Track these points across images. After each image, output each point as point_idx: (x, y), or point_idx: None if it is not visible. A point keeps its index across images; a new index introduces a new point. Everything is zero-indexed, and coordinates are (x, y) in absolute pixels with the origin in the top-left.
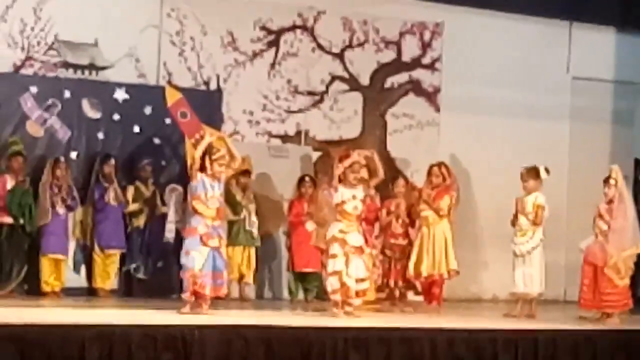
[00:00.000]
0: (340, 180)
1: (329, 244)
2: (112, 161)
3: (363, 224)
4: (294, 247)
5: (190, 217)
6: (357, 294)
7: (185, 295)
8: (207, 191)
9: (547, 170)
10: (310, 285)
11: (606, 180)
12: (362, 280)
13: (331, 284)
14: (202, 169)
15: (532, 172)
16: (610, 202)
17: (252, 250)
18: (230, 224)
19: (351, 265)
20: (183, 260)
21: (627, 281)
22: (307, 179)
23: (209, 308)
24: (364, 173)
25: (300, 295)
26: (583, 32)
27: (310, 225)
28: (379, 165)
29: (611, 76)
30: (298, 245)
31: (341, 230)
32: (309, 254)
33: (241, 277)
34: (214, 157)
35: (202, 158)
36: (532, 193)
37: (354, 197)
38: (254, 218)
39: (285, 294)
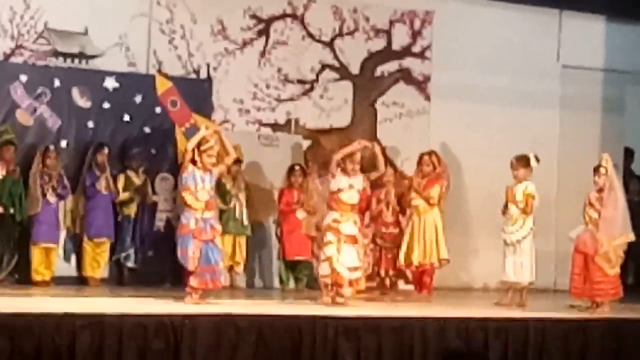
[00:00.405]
0: (339, 168)
1: (323, 233)
2: (106, 150)
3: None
4: (284, 235)
5: (181, 209)
6: (350, 283)
7: (189, 289)
8: (197, 183)
9: (537, 159)
10: (301, 274)
11: (596, 169)
12: (355, 269)
13: (322, 268)
14: (194, 161)
15: (522, 161)
16: (600, 190)
17: (243, 239)
18: (220, 212)
19: (343, 253)
20: (180, 258)
21: (617, 270)
22: (297, 167)
23: (199, 298)
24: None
25: (292, 283)
26: (573, 20)
27: (300, 214)
28: (380, 158)
29: (601, 64)
30: (288, 233)
31: (335, 220)
32: (299, 243)
33: (231, 266)
34: (202, 148)
35: (193, 150)
36: (523, 182)
37: (350, 186)
38: (244, 207)
39: (276, 282)
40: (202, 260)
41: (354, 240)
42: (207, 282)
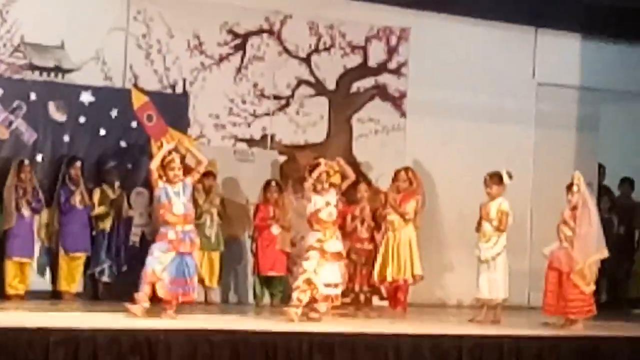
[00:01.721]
0: (312, 189)
1: (306, 253)
2: (79, 164)
3: None
4: (259, 251)
5: (160, 224)
6: (327, 298)
7: (138, 295)
8: (171, 198)
9: (509, 175)
10: (276, 290)
11: (569, 187)
12: (336, 285)
13: (298, 280)
14: (161, 176)
15: (495, 178)
16: (574, 208)
17: (215, 255)
18: None
19: (326, 269)
20: (147, 260)
21: (592, 287)
22: (273, 183)
23: (174, 312)
24: (335, 179)
25: (266, 299)
26: (548, 38)
27: (275, 229)
28: (346, 168)
29: (576, 82)
30: (263, 249)
31: (319, 240)
32: (274, 258)
33: (203, 280)
34: (164, 163)
35: (158, 167)
36: (496, 199)
37: (327, 203)
38: (215, 222)
39: (251, 298)
40: (168, 269)
41: (339, 256)
42: (178, 296)
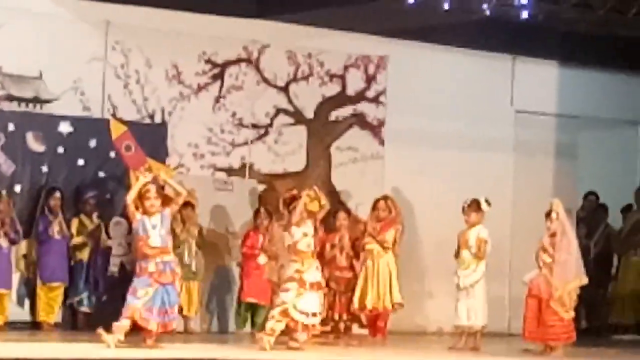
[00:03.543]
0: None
1: (285, 284)
2: (58, 194)
3: None
4: (244, 278)
5: (140, 256)
6: (306, 327)
7: (116, 325)
8: (148, 230)
9: (487, 202)
10: (259, 318)
11: (548, 214)
12: (314, 315)
13: (274, 311)
14: (137, 207)
15: (474, 205)
16: (553, 235)
17: (194, 284)
18: None
19: (304, 299)
20: (129, 297)
21: (572, 314)
22: (262, 210)
23: (153, 342)
24: (313, 206)
25: (248, 327)
26: (526, 65)
27: (262, 259)
28: (322, 197)
29: (554, 110)
30: (248, 277)
31: (297, 270)
32: (258, 286)
33: (181, 309)
34: (140, 192)
35: (135, 200)
36: (475, 226)
37: (304, 234)
38: (193, 252)
39: (233, 326)
40: (153, 301)
41: (318, 286)
42: (158, 325)
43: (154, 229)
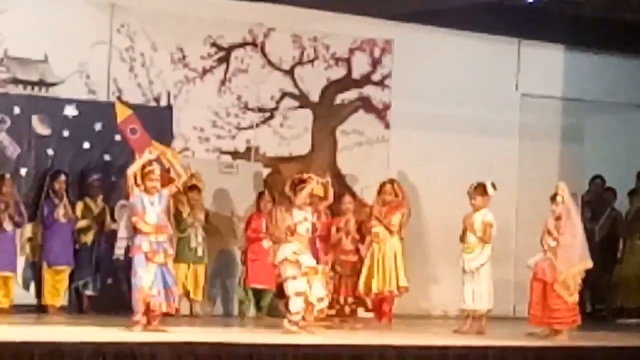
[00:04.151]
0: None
1: (282, 265)
2: (63, 177)
3: (317, 242)
4: (248, 262)
5: (135, 234)
6: (318, 312)
7: (137, 317)
8: (145, 207)
9: (493, 186)
10: (264, 302)
11: (553, 198)
12: (321, 299)
13: (295, 304)
14: (137, 184)
15: (480, 189)
16: (557, 218)
17: (200, 268)
18: (177, 240)
19: (313, 286)
20: (133, 280)
21: (576, 297)
22: (266, 193)
23: (159, 324)
24: (318, 190)
25: (252, 311)
26: (532, 49)
27: (266, 243)
28: (329, 190)
29: (560, 93)
30: (252, 261)
31: (294, 252)
32: (263, 271)
33: (188, 293)
34: (144, 171)
35: (135, 175)
36: (481, 210)
37: (305, 218)
38: (200, 236)
39: (237, 310)
40: (156, 283)
41: (315, 271)
42: (162, 305)
43: (152, 205)
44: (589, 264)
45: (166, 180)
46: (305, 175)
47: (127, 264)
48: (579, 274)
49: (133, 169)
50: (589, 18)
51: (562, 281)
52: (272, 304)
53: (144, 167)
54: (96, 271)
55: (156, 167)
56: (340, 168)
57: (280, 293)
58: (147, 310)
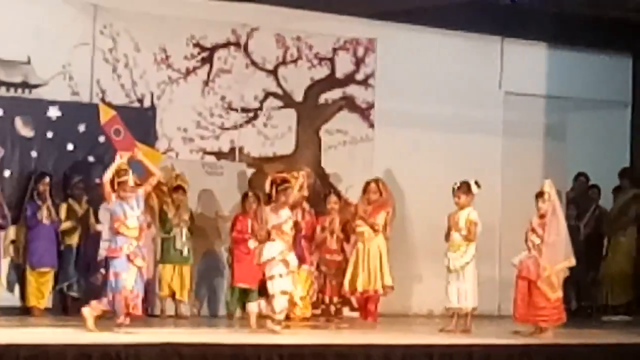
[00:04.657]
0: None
1: (268, 264)
2: (47, 179)
3: (302, 241)
4: (234, 263)
5: (115, 236)
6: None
7: (121, 319)
8: (126, 211)
9: (477, 184)
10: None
11: (539, 195)
12: (302, 298)
13: (280, 303)
14: (114, 190)
15: (464, 187)
16: (542, 216)
17: (186, 268)
18: (162, 241)
19: (298, 286)
20: (113, 282)
21: (559, 294)
22: (250, 194)
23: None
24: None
25: (239, 312)
26: (515, 47)
27: (252, 244)
28: (304, 184)
29: (543, 91)
30: (238, 262)
31: (281, 252)
32: (249, 271)
33: (174, 294)
34: (118, 180)
35: (112, 181)
36: (465, 208)
37: (289, 217)
38: (185, 236)
39: (223, 311)
40: (136, 286)
41: (296, 271)
42: (134, 307)
43: (132, 209)
44: (573, 262)
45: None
46: (285, 175)
47: None
48: (562, 271)
49: (107, 177)
50: (571, 15)
51: (545, 278)
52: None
53: (117, 175)
54: (81, 273)
55: (129, 178)
56: (325, 167)
57: (263, 291)
58: (130, 314)
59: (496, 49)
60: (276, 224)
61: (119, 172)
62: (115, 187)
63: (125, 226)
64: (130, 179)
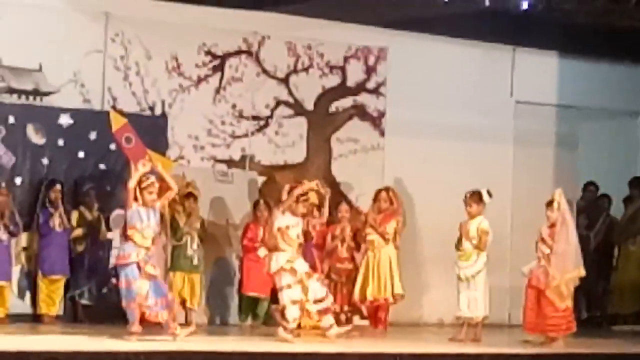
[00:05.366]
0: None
1: (277, 275)
2: (59, 186)
3: (313, 250)
4: (244, 271)
5: (123, 244)
6: (320, 313)
7: (134, 328)
8: (143, 221)
9: (489, 193)
10: (261, 311)
11: (549, 204)
12: (321, 300)
13: (291, 312)
14: (136, 198)
15: (475, 197)
16: (552, 225)
17: (196, 276)
18: (173, 248)
19: (310, 291)
20: (124, 291)
21: (569, 304)
22: (261, 202)
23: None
24: (313, 198)
25: (250, 320)
26: (526, 56)
27: (262, 252)
28: (326, 206)
29: (554, 100)
30: (248, 270)
31: (288, 260)
32: (259, 279)
33: (184, 302)
34: (143, 185)
35: (135, 188)
36: (476, 217)
37: (297, 223)
38: (195, 245)
39: (234, 319)
40: (151, 292)
41: (310, 274)
42: (161, 315)
43: (149, 219)
44: (582, 272)
45: (165, 189)
46: (306, 187)
47: None
48: (571, 281)
49: (132, 183)
50: (582, 25)
51: (554, 287)
52: (268, 312)
53: (141, 180)
54: (92, 280)
55: (154, 180)
56: (335, 176)
57: (276, 300)
58: (142, 320)
59: (508, 58)
60: (282, 226)
61: (143, 178)
62: (138, 193)
63: (141, 234)
64: (156, 182)
